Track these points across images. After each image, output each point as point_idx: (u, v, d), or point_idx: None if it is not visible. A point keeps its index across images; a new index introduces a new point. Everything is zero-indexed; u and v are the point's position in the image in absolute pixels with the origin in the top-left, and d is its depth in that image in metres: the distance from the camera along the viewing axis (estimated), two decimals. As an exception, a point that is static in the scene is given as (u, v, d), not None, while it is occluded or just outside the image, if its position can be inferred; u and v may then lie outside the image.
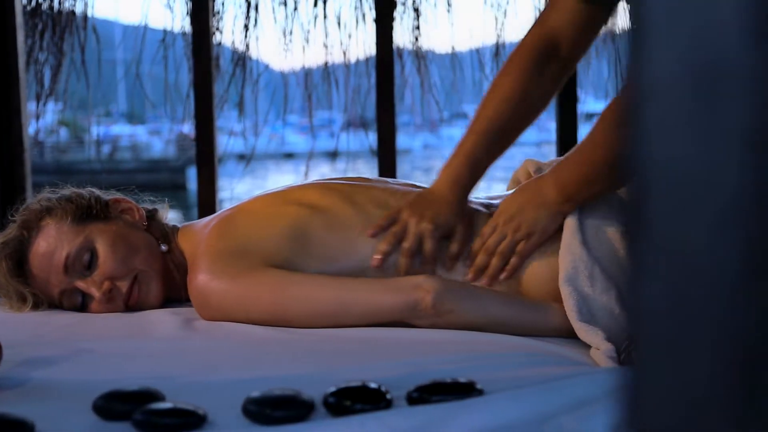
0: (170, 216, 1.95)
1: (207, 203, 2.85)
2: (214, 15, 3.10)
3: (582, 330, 1.47)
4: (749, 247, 0.28)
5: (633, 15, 0.32)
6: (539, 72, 1.69)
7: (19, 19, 2.84)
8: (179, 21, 3.20)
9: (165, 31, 3.23)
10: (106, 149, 21.77)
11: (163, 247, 1.80)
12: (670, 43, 0.29)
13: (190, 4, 2.90)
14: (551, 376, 1.22)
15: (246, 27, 3.19)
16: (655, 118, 0.30)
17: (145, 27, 3.33)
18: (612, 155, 1.49)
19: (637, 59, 0.30)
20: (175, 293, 1.82)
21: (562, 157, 1.67)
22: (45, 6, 3.21)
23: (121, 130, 22.71)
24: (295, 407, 1.07)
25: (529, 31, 1.72)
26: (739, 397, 0.28)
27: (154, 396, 1.10)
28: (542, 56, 1.69)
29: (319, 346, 1.46)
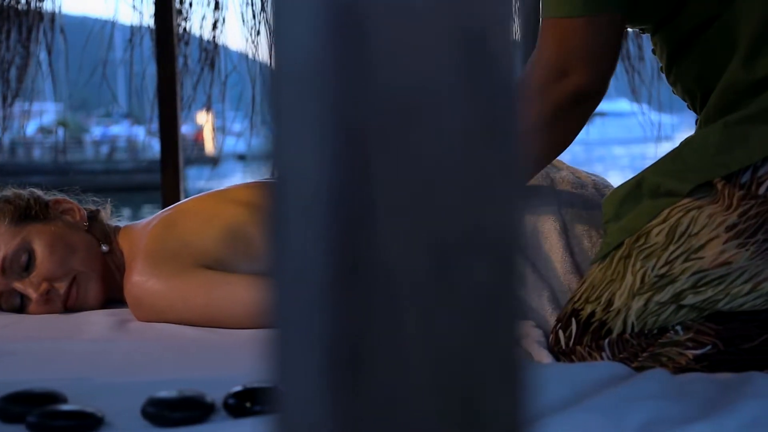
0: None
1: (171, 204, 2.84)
2: (179, 14, 3.09)
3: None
4: (334, 245, 0.27)
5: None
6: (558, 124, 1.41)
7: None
8: (147, 20, 3.19)
9: (132, 31, 3.22)
10: (104, 149, 21.81)
11: (104, 248, 1.80)
12: (283, 38, 0.29)
13: (154, 5, 2.89)
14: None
15: (214, 26, 3.18)
16: (273, 111, 0.29)
17: (113, 24, 3.33)
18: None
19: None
20: (116, 294, 1.80)
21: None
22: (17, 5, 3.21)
23: (120, 130, 22.71)
24: (194, 409, 1.07)
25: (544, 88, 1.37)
26: (341, 391, 0.27)
27: (55, 398, 1.10)
28: (562, 110, 1.38)
29: (245, 347, 1.45)
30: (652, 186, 1.32)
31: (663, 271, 1.26)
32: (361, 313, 0.27)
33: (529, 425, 0.28)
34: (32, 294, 1.72)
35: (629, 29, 1.64)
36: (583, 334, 1.33)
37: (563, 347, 1.35)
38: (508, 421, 0.28)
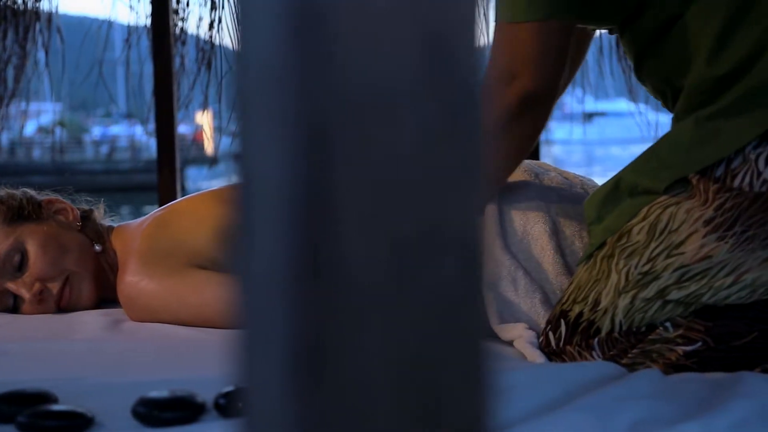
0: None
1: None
2: (176, 14, 3.09)
3: (503, 330, 1.45)
4: (297, 244, 0.27)
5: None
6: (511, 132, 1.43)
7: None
8: (144, 19, 3.19)
9: (129, 30, 3.22)
10: (104, 149, 21.80)
11: (97, 248, 1.80)
12: (247, 37, 0.29)
13: (150, 5, 2.89)
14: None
15: (211, 26, 3.17)
16: (237, 111, 0.29)
17: (110, 24, 3.33)
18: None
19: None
20: (110, 293, 1.80)
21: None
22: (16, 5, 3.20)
23: (120, 130, 22.69)
24: (184, 409, 1.07)
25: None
26: (306, 390, 0.27)
27: (45, 398, 1.10)
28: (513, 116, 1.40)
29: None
30: (630, 185, 1.33)
31: (646, 268, 1.27)
32: (324, 311, 0.27)
33: (493, 422, 0.28)
34: (25, 294, 1.72)
35: (597, 30, 1.65)
36: (573, 335, 1.33)
37: (554, 348, 1.35)
38: (472, 419, 0.28)
